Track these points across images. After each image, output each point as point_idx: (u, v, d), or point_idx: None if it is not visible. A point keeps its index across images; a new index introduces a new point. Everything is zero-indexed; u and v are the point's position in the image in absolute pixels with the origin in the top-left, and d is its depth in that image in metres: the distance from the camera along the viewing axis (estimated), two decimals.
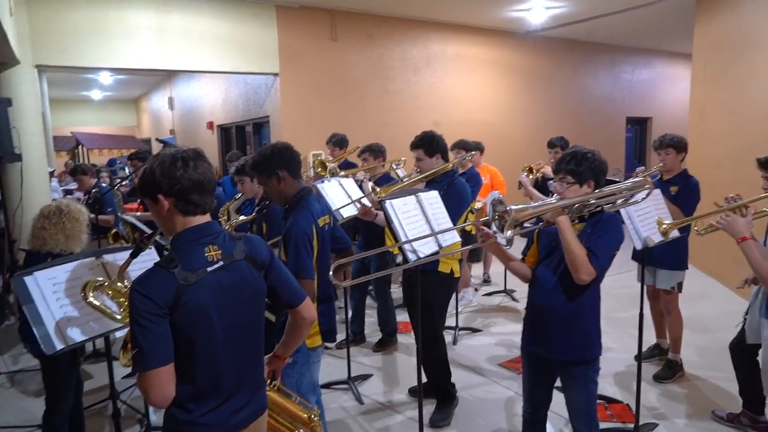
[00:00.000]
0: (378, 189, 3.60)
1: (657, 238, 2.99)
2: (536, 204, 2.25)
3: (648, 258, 3.78)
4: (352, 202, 3.76)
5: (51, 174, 8.68)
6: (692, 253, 4.11)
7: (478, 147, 5.92)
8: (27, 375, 4.38)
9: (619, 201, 2.48)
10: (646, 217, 3.03)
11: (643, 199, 2.52)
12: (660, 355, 4.28)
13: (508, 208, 2.10)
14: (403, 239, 2.65)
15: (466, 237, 4.66)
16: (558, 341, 2.36)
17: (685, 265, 3.95)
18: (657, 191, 3.24)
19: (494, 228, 2.21)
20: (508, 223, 2.12)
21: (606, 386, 3.90)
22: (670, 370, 4.00)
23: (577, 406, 2.44)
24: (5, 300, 4.47)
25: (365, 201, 3.72)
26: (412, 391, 3.88)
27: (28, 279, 2.15)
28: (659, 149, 3.92)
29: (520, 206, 2.16)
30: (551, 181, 2.48)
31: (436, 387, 3.61)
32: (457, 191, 3.44)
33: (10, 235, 5.32)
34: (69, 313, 2.20)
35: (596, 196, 2.33)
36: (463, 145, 5.34)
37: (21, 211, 5.13)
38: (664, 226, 2.98)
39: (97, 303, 2.06)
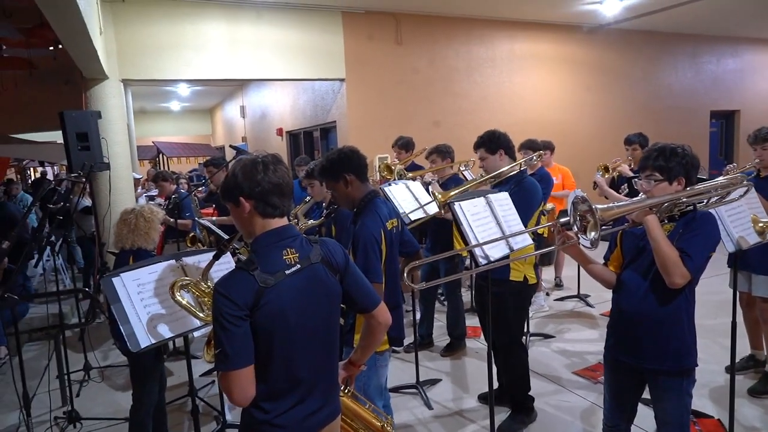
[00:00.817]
0: (438, 194, 3.52)
1: (752, 239, 2.75)
2: (623, 203, 2.10)
3: (743, 262, 3.50)
4: (420, 207, 3.71)
5: (137, 181, 9.26)
6: None
7: (548, 146, 5.72)
8: (116, 370, 4.67)
9: (714, 199, 2.28)
10: (739, 216, 2.79)
11: (741, 196, 2.31)
12: (755, 368, 3.94)
13: (593, 207, 1.96)
14: (473, 242, 2.59)
15: (538, 240, 4.50)
16: (651, 350, 2.20)
17: None
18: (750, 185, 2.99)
19: (575, 229, 2.07)
20: (592, 223, 1.98)
21: (694, 399, 3.62)
22: None
23: (669, 420, 2.26)
24: (96, 300, 4.79)
25: (430, 208, 3.66)
26: (482, 398, 3.79)
27: (115, 280, 2.28)
28: (755, 144, 3.60)
29: (605, 206, 2.02)
30: (636, 179, 2.31)
31: (512, 396, 3.49)
32: (526, 191, 3.27)
33: (100, 239, 5.71)
34: (152, 312, 2.32)
35: (688, 194, 2.15)
36: (530, 145, 5.17)
37: (109, 217, 5.48)
38: (761, 224, 2.70)
39: (183, 301, 2.15)
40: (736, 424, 3.13)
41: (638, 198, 2.20)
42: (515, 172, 3.37)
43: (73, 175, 5.01)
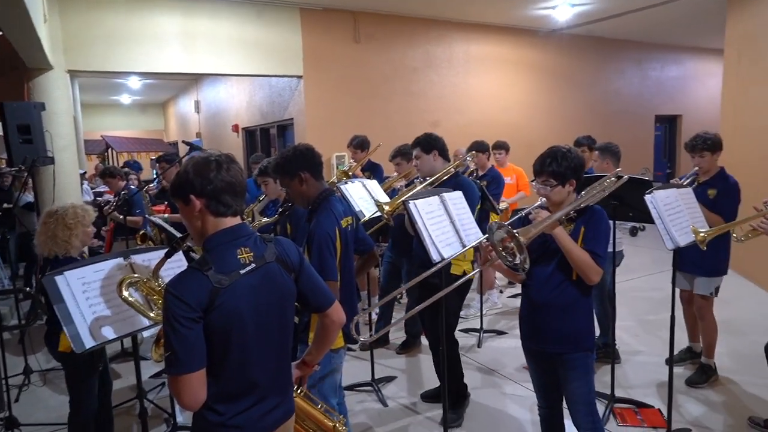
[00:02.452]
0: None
1: (688, 239, 2.90)
2: (538, 222, 2.25)
3: (686, 264, 3.66)
4: (376, 204, 3.71)
5: (82, 176, 8.90)
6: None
7: (503, 146, 5.85)
8: (59, 373, 4.47)
9: (597, 194, 2.46)
10: (678, 217, 2.94)
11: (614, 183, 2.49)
12: (692, 359, 4.16)
13: (514, 233, 2.09)
14: (428, 240, 2.63)
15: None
16: (555, 335, 2.42)
17: (724, 270, 3.79)
18: (687, 189, 3.15)
19: (505, 263, 2.21)
20: (516, 247, 2.11)
21: (636, 390, 3.80)
22: (704, 375, 3.88)
23: (577, 399, 2.45)
24: (38, 300, 4.59)
25: (380, 197, 3.72)
26: (426, 396, 3.84)
27: (58, 278, 2.19)
28: (692, 153, 3.73)
29: (523, 228, 2.18)
30: (533, 183, 2.46)
31: (450, 388, 3.57)
32: (463, 190, 3.29)
33: None
34: (98, 312, 2.24)
35: (585, 200, 2.36)
36: (477, 147, 5.26)
37: None
38: (702, 234, 2.84)
39: (131, 299, 2.09)
40: (675, 412, 3.30)
41: (548, 215, 2.33)
42: (451, 174, 3.51)
43: (14, 169, 4.78)
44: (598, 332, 4.15)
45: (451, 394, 3.54)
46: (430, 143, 3.51)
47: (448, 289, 2.59)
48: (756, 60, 6.36)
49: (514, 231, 2.09)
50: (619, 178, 2.53)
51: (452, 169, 3.53)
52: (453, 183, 3.44)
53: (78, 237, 2.89)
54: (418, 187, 3.56)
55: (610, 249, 3.81)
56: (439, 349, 3.36)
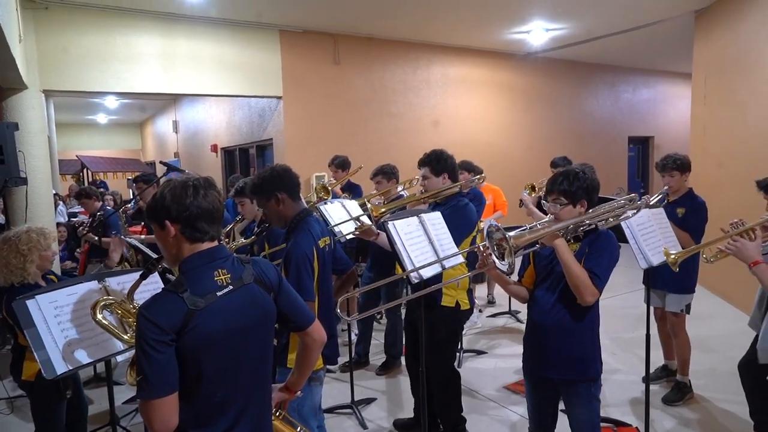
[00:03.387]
0: (382, 209, 3.54)
1: (660, 259, 2.96)
2: (534, 229, 2.24)
3: (657, 281, 3.76)
4: (351, 219, 3.63)
5: (57, 196, 8.74)
6: (700, 273, 4.06)
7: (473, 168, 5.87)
8: (27, 401, 4.33)
9: (611, 219, 2.47)
10: (650, 236, 3.01)
11: (633, 215, 2.52)
12: (668, 377, 4.21)
13: (506, 236, 2.10)
14: (407, 261, 2.64)
15: (474, 260, 4.61)
16: (559, 360, 2.36)
17: (693, 288, 3.91)
18: (659, 210, 3.23)
19: (493, 257, 2.20)
20: (507, 250, 2.11)
21: (614, 409, 3.83)
22: (679, 393, 3.93)
23: (581, 425, 2.42)
24: (7, 324, 4.45)
25: (365, 219, 3.65)
26: (400, 426, 3.69)
27: (29, 302, 2.15)
28: (663, 172, 3.89)
29: (517, 233, 2.16)
30: (545, 202, 2.47)
31: (446, 422, 3.47)
32: (463, 214, 3.27)
33: None
34: (70, 336, 2.19)
35: (590, 216, 2.34)
36: (466, 167, 5.32)
37: None
38: (672, 256, 2.91)
39: (105, 322, 2.04)
40: (652, 430, 3.33)
41: (547, 221, 2.34)
42: (453, 192, 3.35)
43: None
44: None
45: (450, 426, 3.44)
46: (441, 165, 3.27)
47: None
48: (722, 84, 6.60)
49: (507, 234, 2.08)
50: (630, 200, 2.51)
51: (456, 189, 3.36)
52: (453, 204, 3.29)
53: (33, 263, 2.76)
54: (415, 198, 3.51)
55: None
56: (437, 382, 3.28)
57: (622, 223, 2.86)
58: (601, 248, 2.30)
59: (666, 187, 3.90)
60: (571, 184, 2.32)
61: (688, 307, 3.90)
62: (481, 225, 5.52)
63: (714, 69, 6.80)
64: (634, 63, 11.22)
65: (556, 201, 2.36)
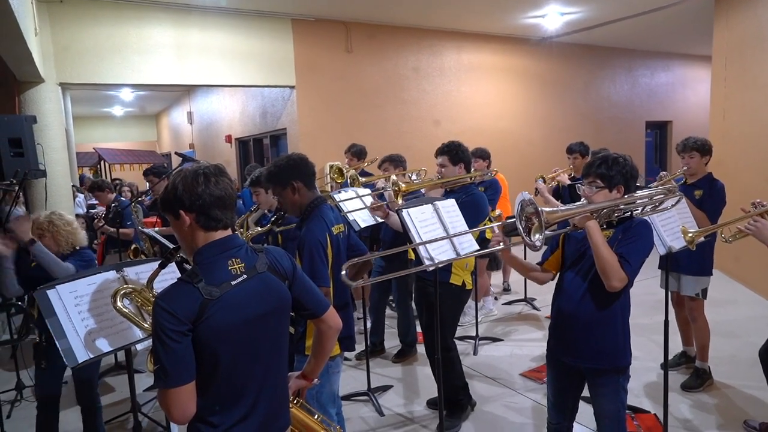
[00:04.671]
0: (401, 184, 3.61)
1: (680, 244, 2.92)
2: (567, 207, 2.20)
3: (672, 264, 3.72)
4: (371, 194, 3.75)
5: (75, 188, 8.86)
6: (717, 258, 4.02)
7: (481, 154, 5.75)
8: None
9: (648, 208, 2.42)
10: (669, 222, 2.97)
11: (673, 206, 2.47)
12: (687, 363, 4.18)
13: (539, 210, 2.02)
14: (421, 247, 2.64)
15: (485, 245, 4.62)
16: (588, 349, 2.31)
17: (709, 271, 3.86)
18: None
19: (520, 230, 2.13)
20: (536, 225, 2.04)
21: (632, 396, 3.80)
22: (699, 379, 3.89)
23: (606, 415, 2.37)
24: (30, 314, 4.55)
25: (384, 195, 3.74)
26: (431, 403, 3.83)
27: (50, 292, 2.18)
28: (683, 152, 3.86)
29: (551, 208, 2.09)
30: (579, 184, 2.42)
31: (448, 395, 3.54)
32: (475, 202, 3.45)
33: None
34: (91, 326, 2.23)
35: (626, 201, 2.27)
36: (480, 154, 5.30)
37: None
38: (690, 235, 2.87)
39: (125, 310, 2.08)
40: (671, 417, 3.30)
41: (580, 203, 2.29)
42: (466, 182, 3.53)
43: (5, 182, 4.75)
44: None
45: (449, 401, 3.53)
46: (459, 155, 3.51)
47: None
48: (742, 67, 6.44)
49: (540, 209, 2.02)
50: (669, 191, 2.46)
51: (468, 179, 3.55)
52: (465, 194, 3.47)
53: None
54: (432, 182, 3.59)
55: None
56: (435, 357, 3.37)
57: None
58: (635, 235, 2.23)
59: (684, 168, 3.85)
60: (609, 168, 2.27)
61: (704, 292, 3.86)
62: (496, 212, 5.50)
63: (734, 51, 6.64)
64: (652, 46, 10.99)
65: (592, 184, 2.30)
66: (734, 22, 6.68)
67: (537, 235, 2.05)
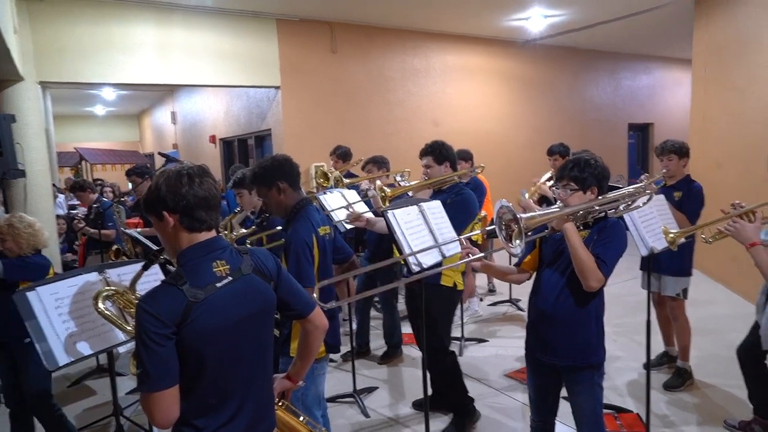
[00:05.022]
0: (387, 189, 3.59)
1: (662, 245, 2.97)
2: (544, 212, 2.25)
3: (653, 264, 3.77)
4: (344, 206, 3.73)
5: (56, 188, 8.72)
6: (697, 258, 4.09)
7: (463, 156, 5.70)
8: None
9: (622, 206, 2.47)
10: (651, 223, 3.01)
11: (645, 203, 2.52)
12: (669, 363, 4.23)
13: (518, 216, 2.07)
14: (406, 249, 2.64)
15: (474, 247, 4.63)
16: (563, 347, 2.37)
17: (689, 272, 3.93)
18: (660, 197, 3.24)
19: (501, 238, 2.18)
20: (516, 231, 2.10)
21: (615, 396, 3.85)
22: (680, 378, 3.95)
23: (583, 412, 2.42)
24: None
25: (357, 207, 3.70)
26: (417, 405, 3.83)
27: (30, 294, 2.15)
28: (661, 155, 3.94)
29: (528, 215, 2.15)
30: (554, 187, 2.46)
31: (451, 401, 3.53)
32: (464, 202, 3.39)
33: None
34: (72, 328, 2.20)
35: (600, 202, 2.34)
36: (464, 156, 5.31)
37: None
38: (671, 235, 2.93)
39: (107, 312, 2.04)
40: (653, 416, 3.35)
41: (557, 206, 2.34)
42: (454, 181, 3.49)
43: None
44: None
45: (456, 408, 3.51)
46: (443, 154, 3.44)
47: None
48: (722, 70, 6.56)
49: (518, 215, 2.07)
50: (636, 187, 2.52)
51: (455, 178, 3.51)
52: (454, 193, 3.42)
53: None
54: (419, 183, 3.56)
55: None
56: (428, 359, 3.35)
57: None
58: (610, 235, 2.30)
59: (664, 170, 3.93)
60: (582, 170, 2.33)
61: (685, 292, 3.92)
62: (481, 213, 5.52)
63: (714, 54, 6.76)
64: (634, 49, 11.15)
65: (566, 186, 2.36)
66: (714, 26, 6.81)
67: (517, 241, 2.10)
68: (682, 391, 3.87)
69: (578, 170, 2.34)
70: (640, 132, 12.52)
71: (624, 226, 2.39)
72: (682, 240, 3.11)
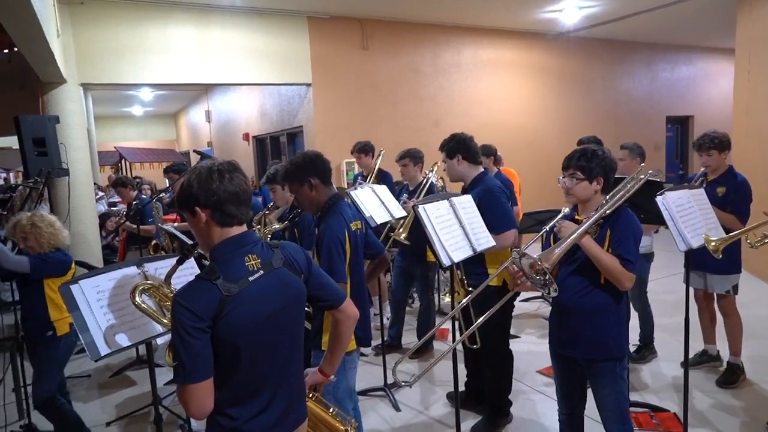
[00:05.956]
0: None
1: (700, 240, 2.87)
2: (562, 244, 2.20)
3: (700, 263, 3.65)
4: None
5: (97, 187, 9.02)
6: (742, 256, 3.92)
7: (486, 152, 5.34)
8: (75, 381, 4.54)
9: (625, 197, 2.40)
10: (690, 218, 2.91)
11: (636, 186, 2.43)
12: (708, 362, 4.11)
13: (538, 261, 2.08)
14: (437, 244, 2.63)
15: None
16: (582, 340, 2.37)
17: (738, 269, 3.77)
18: (700, 191, 3.12)
19: (541, 289, 2.18)
20: (540, 273, 2.09)
21: (651, 394, 3.76)
22: (733, 375, 3.82)
23: (606, 406, 2.41)
24: None
25: (388, 202, 3.67)
26: (450, 397, 3.82)
27: (73, 287, 2.23)
28: (699, 151, 3.75)
29: (543, 253, 2.16)
30: (560, 177, 2.43)
31: (491, 400, 3.48)
32: (492, 192, 3.20)
33: None
34: (112, 320, 2.27)
35: (609, 206, 2.30)
36: (485, 151, 5.18)
37: (69, 224, 5.33)
38: (713, 243, 2.81)
39: (144, 306, 2.11)
40: (691, 416, 3.26)
41: (572, 231, 2.27)
42: (476, 175, 3.34)
43: (30, 181, 4.86)
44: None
45: (494, 406, 3.47)
46: (452, 147, 3.32)
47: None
48: (766, 60, 6.30)
49: (537, 259, 2.08)
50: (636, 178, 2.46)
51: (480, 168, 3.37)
52: (481, 189, 3.23)
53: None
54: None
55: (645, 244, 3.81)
56: (490, 362, 3.37)
57: (660, 205, 2.79)
58: (624, 228, 2.28)
59: (703, 168, 3.76)
60: (589, 160, 2.32)
61: (735, 288, 3.79)
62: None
63: (758, 44, 6.49)
64: (672, 40, 10.78)
65: (572, 176, 2.36)
66: (758, 14, 6.53)
67: (552, 287, 2.09)
68: (723, 392, 3.75)
69: (585, 160, 2.32)
70: (679, 125, 12.13)
71: (630, 211, 2.36)
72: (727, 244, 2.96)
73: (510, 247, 3.09)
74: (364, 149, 5.50)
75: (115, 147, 16.41)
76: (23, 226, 3.19)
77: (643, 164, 3.99)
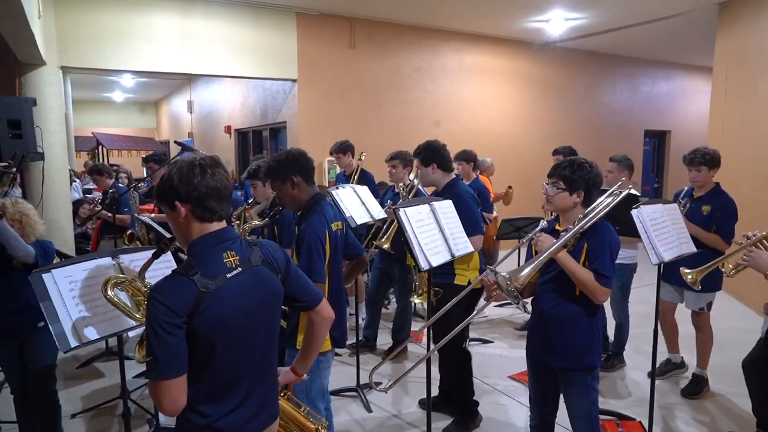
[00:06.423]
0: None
1: (671, 255, 2.94)
2: (534, 261, 2.24)
3: (676, 278, 3.65)
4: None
5: (73, 173, 8.83)
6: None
7: (466, 157, 5.38)
8: None
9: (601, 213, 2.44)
10: (663, 231, 2.98)
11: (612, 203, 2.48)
12: (672, 371, 4.21)
13: (507, 280, 2.15)
14: (416, 247, 2.66)
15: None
16: (556, 348, 2.42)
17: (716, 287, 3.75)
18: (673, 205, 3.20)
19: (517, 305, 2.25)
20: (512, 291, 2.17)
21: (618, 403, 3.84)
22: (698, 386, 3.91)
23: (577, 413, 2.46)
24: None
25: (369, 203, 3.70)
26: (423, 404, 3.84)
27: (45, 276, 2.18)
28: (690, 166, 3.74)
29: (512, 272, 2.20)
30: (544, 183, 2.47)
31: (455, 402, 3.54)
32: (461, 198, 3.29)
33: None
34: (84, 311, 2.23)
35: (585, 222, 2.31)
36: (465, 157, 5.23)
37: (42, 209, 5.22)
38: (690, 276, 2.88)
39: (116, 300, 2.07)
40: (656, 425, 3.33)
41: (547, 247, 2.31)
42: (448, 181, 3.44)
43: (2, 164, 4.74)
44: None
45: (460, 409, 3.52)
46: (428, 156, 3.40)
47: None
48: (743, 78, 6.47)
49: (507, 279, 2.14)
50: (616, 194, 2.49)
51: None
52: (449, 190, 3.40)
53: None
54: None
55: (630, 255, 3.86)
56: (449, 360, 3.38)
57: (635, 218, 2.86)
58: (600, 241, 2.31)
59: (692, 182, 3.78)
60: (573, 171, 2.36)
61: (709, 305, 3.86)
62: (494, 214, 5.54)
63: (736, 63, 6.67)
64: (654, 55, 11.02)
65: (554, 184, 2.40)
66: (737, 33, 6.71)
67: (522, 301, 2.19)
68: (687, 402, 3.85)
69: (570, 170, 2.36)
70: (656, 139, 12.39)
71: (608, 224, 2.39)
72: (704, 273, 3.00)
73: (477, 250, 3.24)
74: (342, 149, 5.46)
75: (92, 132, 16.08)
76: (12, 213, 3.07)
77: (626, 180, 4.05)
